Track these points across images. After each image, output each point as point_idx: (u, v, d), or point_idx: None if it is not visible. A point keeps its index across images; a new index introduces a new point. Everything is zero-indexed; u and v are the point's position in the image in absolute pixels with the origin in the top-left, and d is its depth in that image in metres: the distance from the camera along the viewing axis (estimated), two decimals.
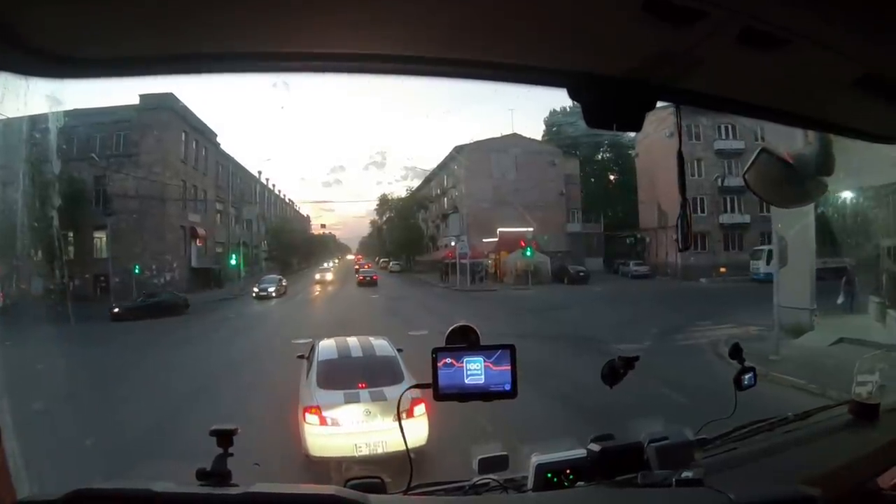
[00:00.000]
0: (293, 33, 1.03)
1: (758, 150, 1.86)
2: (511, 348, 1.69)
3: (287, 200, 65.79)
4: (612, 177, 50.27)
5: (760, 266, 29.57)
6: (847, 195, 13.36)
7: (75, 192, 26.26)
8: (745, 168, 1.87)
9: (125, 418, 8.11)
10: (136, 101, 29.58)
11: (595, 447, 1.83)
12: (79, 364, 11.03)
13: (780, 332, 11.81)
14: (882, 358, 2.49)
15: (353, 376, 6.40)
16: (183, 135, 34.36)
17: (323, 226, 78.18)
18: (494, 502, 1.91)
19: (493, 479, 1.86)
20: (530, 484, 1.82)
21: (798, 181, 1.85)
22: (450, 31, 1.04)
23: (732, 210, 36.44)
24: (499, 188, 39.84)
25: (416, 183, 59.92)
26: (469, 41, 1.08)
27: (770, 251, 28.10)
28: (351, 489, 1.60)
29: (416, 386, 1.98)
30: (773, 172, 1.84)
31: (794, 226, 12.69)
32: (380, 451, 5.64)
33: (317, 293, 34.56)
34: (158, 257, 30.91)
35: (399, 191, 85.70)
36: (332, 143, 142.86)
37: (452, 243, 37.10)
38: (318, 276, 42.87)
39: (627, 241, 43.13)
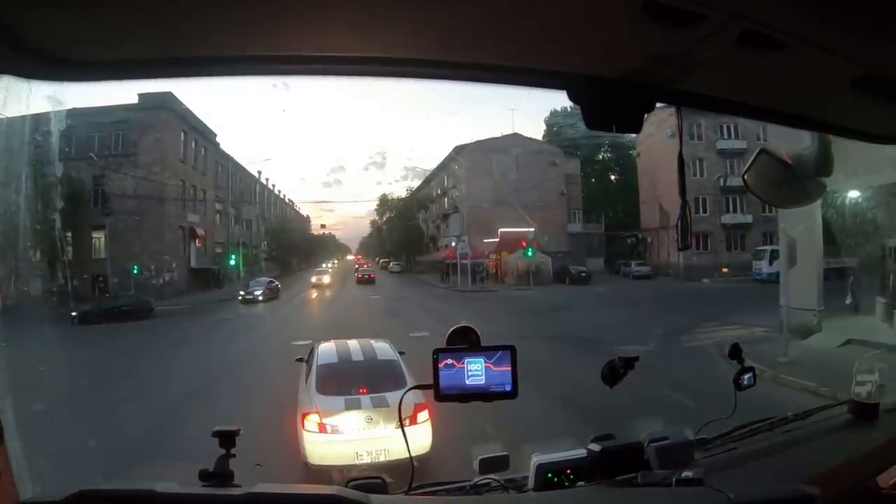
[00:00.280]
0: (293, 36, 1.04)
1: (757, 151, 1.86)
2: (511, 349, 1.70)
3: (287, 200, 65.89)
4: (613, 177, 50.29)
5: (763, 266, 29.54)
6: (849, 195, 13.30)
7: (74, 192, 26.22)
8: (744, 168, 1.88)
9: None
10: (134, 100, 29.59)
11: (595, 447, 1.83)
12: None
13: (788, 333, 11.67)
14: (882, 357, 2.49)
15: (354, 381, 6.25)
16: (182, 134, 34.38)
17: (323, 226, 78.05)
18: (495, 502, 1.92)
19: (494, 480, 1.87)
20: (531, 484, 1.83)
21: (797, 182, 1.86)
22: (449, 35, 1.05)
23: (735, 210, 36.40)
24: (499, 188, 39.83)
25: (416, 183, 59.95)
26: (468, 44, 1.08)
27: (773, 251, 28.15)
28: (353, 489, 1.61)
29: (418, 387, 1.99)
30: (772, 173, 1.85)
31: (801, 225, 12.51)
32: (382, 459, 5.49)
33: (314, 295, 33.30)
34: (157, 257, 30.87)
35: (399, 191, 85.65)
36: (332, 144, 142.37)
37: (453, 243, 37.11)
38: (313, 280, 38.23)
39: (628, 241, 43.14)
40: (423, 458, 5.20)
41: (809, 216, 12.55)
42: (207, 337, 18.64)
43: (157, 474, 1.69)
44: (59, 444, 6.12)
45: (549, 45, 1.08)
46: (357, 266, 51.88)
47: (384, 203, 54.05)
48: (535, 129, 61.84)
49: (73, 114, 24.83)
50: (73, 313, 21.51)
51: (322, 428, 5.73)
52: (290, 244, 50.87)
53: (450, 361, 1.67)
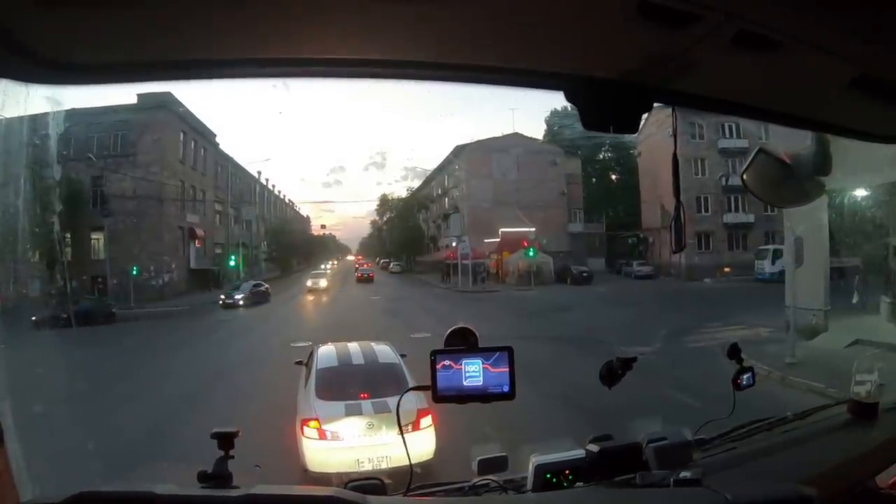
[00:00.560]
0: (293, 38, 1.04)
1: (756, 151, 1.86)
2: (509, 350, 1.70)
3: (287, 201, 65.93)
4: (613, 176, 50.26)
5: (766, 266, 29.51)
6: (851, 194, 13.22)
7: (73, 193, 26.21)
8: (743, 168, 1.88)
9: None
10: (133, 101, 29.53)
11: (594, 448, 1.84)
12: None
13: (795, 334, 11.52)
14: (882, 357, 2.49)
15: (355, 386, 6.11)
16: (181, 135, 34.37)
17: (323, 226, 78.11)
18: (494, 503, 1.92)
19: (493, 480, 1.87)
20: (529, 484, 1.83)
21: (795, 181, 1.86)
22: (447, 36, 1.05)
23: (736, 209, 36.39)
24: (500, 188, 39.88)
25: (416, 183, 60.03)
26: (466, 46, 1.09)
27: (775, 251, 28.15)
28: (351, 490, 1.61)
29: (416, 388, 1.99)
30: (770, 172, 1.85)
31: (807, 224, 12.34)
32: (384, 466, 5.35)
33: (311, 297, 31.45)
34: (157, 258, 30.83)
35: (399, 191, 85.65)
36: (332, 144, 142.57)
37: (453, 244, 37.10)
38: (309, 284, 33.95)
39: (629, 241, 43.17)
40: (426, 465, 5.12)
41: (815, 215, 12.34)
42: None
43: (156, 476, 1.69)
44: None
45: (546, 46, 1.09)
46: (357, 266, 52.21)
47: (384, 203, 54.19)
48: (536, 129, 61.97)
49: (72, 114, 24.81)
50: (33, 318, 18.08)
51: (322, 434, 5.61)
52: (290, 245, 50.87)
53: (448, 362, 1.68)
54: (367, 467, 5.39)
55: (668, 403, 7.93)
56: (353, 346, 7.13)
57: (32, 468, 1.62)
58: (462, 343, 1.80)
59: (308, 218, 70.35)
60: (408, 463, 1.92)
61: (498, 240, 38.05)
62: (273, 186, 58.46)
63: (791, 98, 1.38)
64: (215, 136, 40.14)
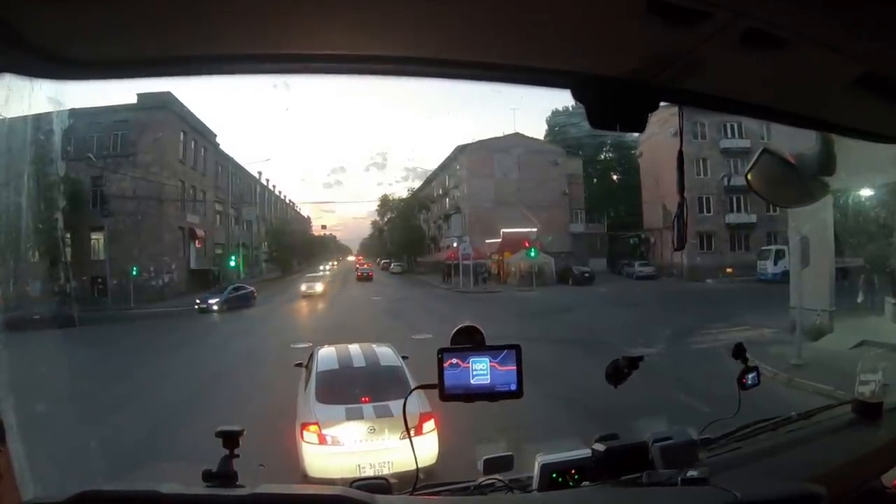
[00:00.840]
0: (294, 34, 1.03)
1: (760, 151, 1.86)
2: (517, 348, 1.69)
3: (287, 201, 65.91)
4: (615, 176, 50.29)
5: (768, 266, 29.50)
6: (856, 193, 13.15)
7: (73, 192, 26.20)
8: (747, 168, 1.88)
9: None
10: (133, 100, 29.58)
11: (600, 447, 1.83)
12: None
13: (801, 334, 11.41)
14: (886, 357, 2.49)
15: (356, 389, 6.00)
16: (181, 134, 34.31)
17: (323, 227, 78.46)
18: (500, 502, 1.92)
19: (499, 480, 1.87)
20: (535, 484, 1.83)
21: (800, 181, 1.85)
22: (452, 32, 1.04)
23: (739, 210, 36.32)
24: (501, 188, 39.89)
25: (417, 184, 60.13)
26: (472, 42, 1.08)
27: (778, 251, 28.09)
28: (357, 489, 1.61)
29: (422, 386, 1.98)
30: (775, 172, 1.84)
31: (812, 224, 12.21)
32: (385, 471, 5.19)
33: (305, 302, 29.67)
34: (157, 259, 30.78)
35: (400, 191, 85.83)
36: (333, 144, 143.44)
37: (454, 244, 37.12)
38: (303, 289, 31.45)
39: (631, 241, 43.15)
40: (428, 470, 4.99)
41: (820, 215, 12.23)
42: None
43: (158, 475, 1.69)
44: None
45: (553, 43, 1.08)
46: (357, 266, 52.57)
47: (385, 203, 54.20)
48: (537, 129, 61.94)
49: (72, 114, 24.85)
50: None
51: (322, 439, 5.51)
52: (290, 245, 50.84)
53: (455, 361, 1.67)
54: (369, 473, 5.24)
55: (672, 404, 7.90)
56: (354, 348, 7.04)
57: (34, 468, 1.62)
58: (469, 341, 1.79)
59: (308, 218, 70.61)
60: (410, 468, 1.92)
61: (499, 240, 38.04)
62: (273, 187, 58.60)
63: (797, 97, 1.38)
64: (215, 135, 40.21)
